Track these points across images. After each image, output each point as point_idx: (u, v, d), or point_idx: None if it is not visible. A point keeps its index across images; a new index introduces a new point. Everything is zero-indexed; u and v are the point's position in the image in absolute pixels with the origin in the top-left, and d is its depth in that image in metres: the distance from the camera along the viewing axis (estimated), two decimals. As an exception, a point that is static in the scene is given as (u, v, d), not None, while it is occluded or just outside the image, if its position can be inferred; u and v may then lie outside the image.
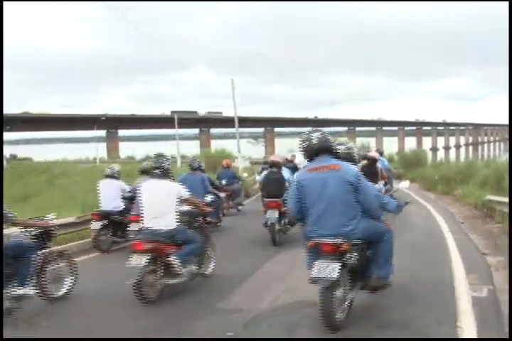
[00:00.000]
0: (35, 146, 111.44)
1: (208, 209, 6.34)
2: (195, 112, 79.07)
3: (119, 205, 8.66)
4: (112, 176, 8.82)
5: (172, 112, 68.92)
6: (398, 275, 6.00)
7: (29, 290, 4.99)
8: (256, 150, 71.79)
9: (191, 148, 60.92)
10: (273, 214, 8.38)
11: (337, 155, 4.53)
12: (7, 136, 56.85)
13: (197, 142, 76.75)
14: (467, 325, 4.22)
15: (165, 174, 5.77)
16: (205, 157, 28.98)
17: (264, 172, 9.53)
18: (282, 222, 8.68)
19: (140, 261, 5.12)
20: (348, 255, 4.16)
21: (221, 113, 79.16)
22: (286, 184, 8.60)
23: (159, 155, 6.69)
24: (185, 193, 5.70)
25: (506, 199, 9.81)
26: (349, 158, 4.74)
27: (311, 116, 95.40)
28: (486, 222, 10.29)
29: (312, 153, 4.39)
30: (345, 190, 4.21)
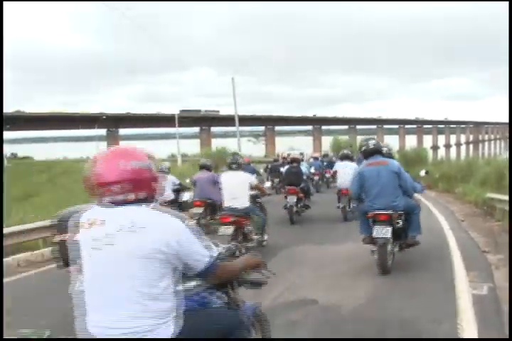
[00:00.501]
0: (35, 145, 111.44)
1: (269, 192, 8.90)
2: (199, 111, 79.21)
3: (170, 196, 9.87)
4: (163, 172, 9.53)
5: (181, 111, 69.09)
6: (398, 272, 6.03)
7: None
8: (256, 149, 71.88)
9: (192, 147, 60.98)
10: (292, 199, 10.40)
11: (383, 154, 6.50)
12: (7, 134, 56.94)
13: (197, 141, 76.79)
14: (467, 322, 4.23)
15: (239, 167, 7.48)
16: (206, 156, 28.98)
17: (286, 166, 11.96)
18: (299, 205, 10.73)
19: (227, 230, 6.80)
20: (396, 221, 6.01)
21: (218, 111, 79.13)
22: (304, 176, 11.52)
23: (235, 154, 8.65)
24: (254, 181, 7.56)
25: (507, 197, 9.82)
26: (388, 155, 6.89)
27: (311, 115, 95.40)
28: (486, 220, 10.30)
29: (369, 153, 6.38)
30: (392, 177, 6.14)
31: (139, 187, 2.18)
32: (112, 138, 71.98)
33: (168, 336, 2.10)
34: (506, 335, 3.95)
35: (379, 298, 5.05)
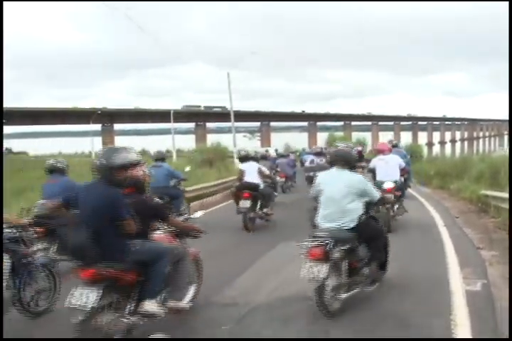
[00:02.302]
0: (30, 140, 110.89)
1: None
2: (199, 106, 79.20)
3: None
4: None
5: (184, 106, 69.20)
6: (393, 269, 6.04)
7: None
8: (252, 145, 71.70)
9: (187, 143, 60.83)
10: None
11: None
12: (3, 129, 56.59)
13: (193, 136, 76.60)
14: (461, 318, 4.25)
15: (254, 159, 10.07)
16: (201, 151, 28.91)
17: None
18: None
19: (246, 203, 9.15)
20: None
21: (200, 106, 78.80)
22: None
23: (244, 151, 10.51)
24: (265, 170, 10.09)
25: (501, 194, 9.85)
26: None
27: (307, 110, 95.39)
28: (480, 217, 10.33)
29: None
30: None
31: None
32: (107, 134, 71.75)
33: None
34: (500, 331, 3.97)
35: (372, 294, 5.06)
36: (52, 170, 7.05)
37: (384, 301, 4.81)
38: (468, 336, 3.93)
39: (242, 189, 9.44)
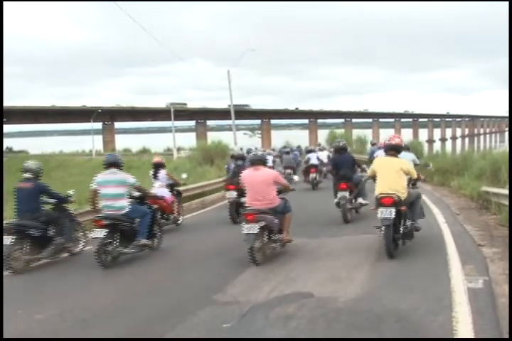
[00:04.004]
0: (30, 139, 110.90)
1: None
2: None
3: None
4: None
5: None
6: (393, 266, 6.04)
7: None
8: (252, 142, 71.64)
9: (187, 140, 60.79)
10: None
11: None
12: (3, 128, 56.54)
13: (193, 134, 76.53)
14: (463, 316, 4.24)
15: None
16: (202, 149, 28.93)
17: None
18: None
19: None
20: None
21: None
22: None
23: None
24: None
25: (502, 191, 9.82)
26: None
27: (307, 107, 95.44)
28: (481, 214, 10.30)
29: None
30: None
31: None
32: (108, 132, 71.73)
33: None
34: (502, 328, 3.96)
35: (375, 291, 5.06)
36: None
37: (384, 298, 4.81)
38: (470, 333, 3.92)
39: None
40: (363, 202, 10.13)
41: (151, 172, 10.25)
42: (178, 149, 50.35)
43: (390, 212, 6.40)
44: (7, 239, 6.62)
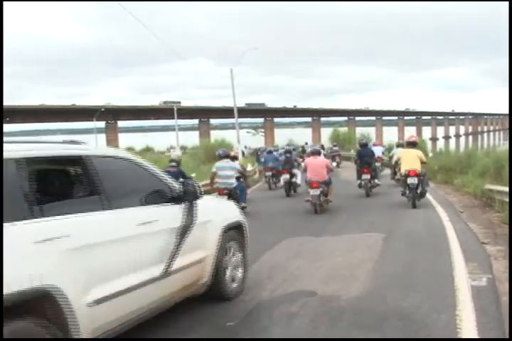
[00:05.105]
0: (33, 138, 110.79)
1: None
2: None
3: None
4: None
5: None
6: (397, 264, 6.03)
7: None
8: (255, 141, 71.59)
9: (191, 139, 60.86)
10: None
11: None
12: (6, 127, 56.62)
13: (196, 133, 76.54)
14: (466, 314, 4.22)
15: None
16: (205, 147, 28.98)
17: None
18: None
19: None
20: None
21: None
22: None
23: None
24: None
25: (506, 189, 9.80)
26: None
27: (311, 105, 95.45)
28: (485, 211, 10.28)
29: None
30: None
31: None
32: (111, 131, 71.80)
33: None
34: (505, 327, 3.95)
35: (378, 289, 5.05)
36: None
37: (388, 296, 4.80)
38: (474, 331, 3.90)
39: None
40: (378, 182, 14.12)
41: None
42: (171, 148, 50.54)
43: (414, 180, 10.56)
44: None
